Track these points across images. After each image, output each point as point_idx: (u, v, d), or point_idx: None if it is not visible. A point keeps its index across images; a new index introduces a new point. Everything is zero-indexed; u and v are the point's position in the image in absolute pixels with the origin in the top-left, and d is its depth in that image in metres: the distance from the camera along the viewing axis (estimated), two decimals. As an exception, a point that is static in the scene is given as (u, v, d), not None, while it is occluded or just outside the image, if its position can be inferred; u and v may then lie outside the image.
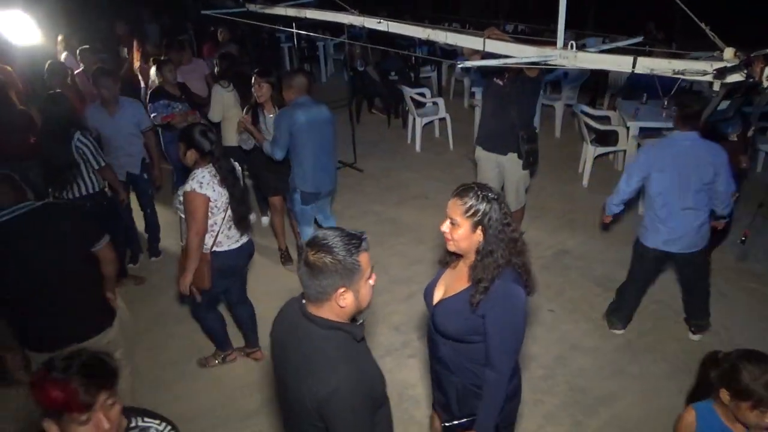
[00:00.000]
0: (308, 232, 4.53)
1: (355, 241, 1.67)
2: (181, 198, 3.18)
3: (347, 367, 1.65)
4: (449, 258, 2.24)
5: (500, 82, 4.46)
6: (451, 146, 7.59)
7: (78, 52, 6.51)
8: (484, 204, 2.00)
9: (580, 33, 8.27)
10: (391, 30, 5.35)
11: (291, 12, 7.00)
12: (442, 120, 7.76)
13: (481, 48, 4.16)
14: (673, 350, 3.89)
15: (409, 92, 7.60)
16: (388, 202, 6.19)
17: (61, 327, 2.70)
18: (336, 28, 12.40)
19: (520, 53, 3.86)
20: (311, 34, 8.45)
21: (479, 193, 2.01)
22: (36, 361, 2.73)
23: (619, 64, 2.54)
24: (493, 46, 4.14)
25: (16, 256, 2.54)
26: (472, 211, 2.00)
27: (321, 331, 1.69)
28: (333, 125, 4.34)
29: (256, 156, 4.73)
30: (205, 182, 3.16)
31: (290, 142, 4.17)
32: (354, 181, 6.72)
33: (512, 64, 3.70)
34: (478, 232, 2.02)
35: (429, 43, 9.99)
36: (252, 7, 7.62)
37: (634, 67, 2.49)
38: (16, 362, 2.75)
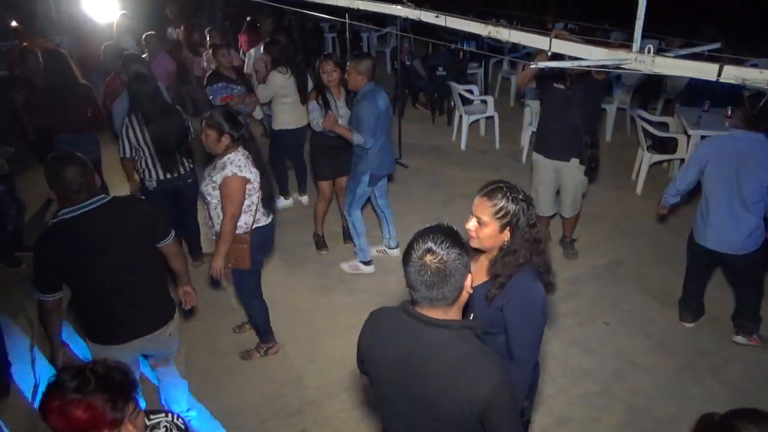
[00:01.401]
0: (358, 215, 4.64)
1: (454, 233, 1.65)
2: (216, 184, 3.20)
3: (492, 357, 1.65)
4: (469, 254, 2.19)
5: (561, 86, 4.29)
6: (497, 145, 7.42)
7: (144, 37, 6.49)
8: (514, 205, 2.00)
9: (628, 33, 7.97)
10: (448, 25, 5.20)
11: (343, 2, 6.92)
12: (489, 118, 7.58)
13: (546, 48, 4.02)
14: (738, 372, 3.70)
15: (458, 89, 7.44)
16: (433, 200, 6.07)
17: (130, 320, 2.70)
18: (379, 20, 12.34)
19: (590, 55, 3.70)
20: (363, 24, 8.35)
21: (509, 194, 2.00)
22: (96, 354, 2.71)
23: (702, 71, 2.36)
24: (561, 46, 3.98)
25: (88, 252, 2.51)
26: (502, 212, 2.00)
27: (455, 333, 1.65)
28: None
29: (317, 140, 4.80)
30: (242, 165, 3.20)
31: (365, 128, 4.22)
32: (399, 176, 6.60)
33: (585, 66, 3.55)
34: (506, 232, 2.02)
35: (475, 38, 9.79)
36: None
37: (719, 75, 2.33)
38: (66, 360, 2.71)
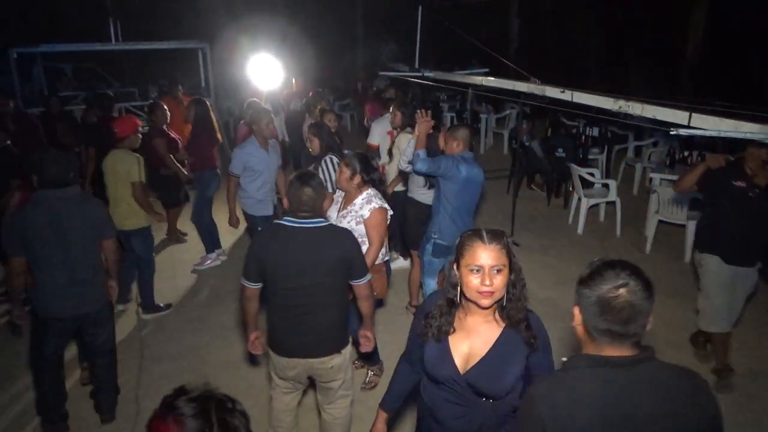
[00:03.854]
0: (432, 284, 4.43)
1: (638, 268, 1.54)
2: (361, 217, 3.48)
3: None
4: (446, 328, 2.00)
5: (742, 184, 3.89)
6: (618, 232, 6.98)
7: (322, 111, 6.46)
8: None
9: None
10: (575, 100, 5.11)
11: (468, 79, 7.06)
12: (610, 204, 7.20)
13: (683, 122, 3.77)
14: None
15: (578, 170, 7.19)
16: (545, 281, 5.74)
17: (292, 339, 2.84)
18: (498, 104, 12.50)
19: (740, 129, 3.40)
20: (493, 94, 8.46)
21: (498, 231, 1.94)
22: (274, 365, 2.96)
23: None
24: (703, 121, 3.72)
25: (289, 259, 2.72)
26: (509, 252, 1.92)
27: (663, 364, 1.56)
28: (483, 189, 4.33)
29: (414, 208, 4.85)
30: (382, 199, 3.57)
31: (441, 188, 4.15)
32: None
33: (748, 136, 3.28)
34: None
35: (598, 125, 9.56)
36: (428, 73, 7.84)
37: None
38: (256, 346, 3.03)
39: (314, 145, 4.82)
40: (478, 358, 1.95)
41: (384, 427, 2.34)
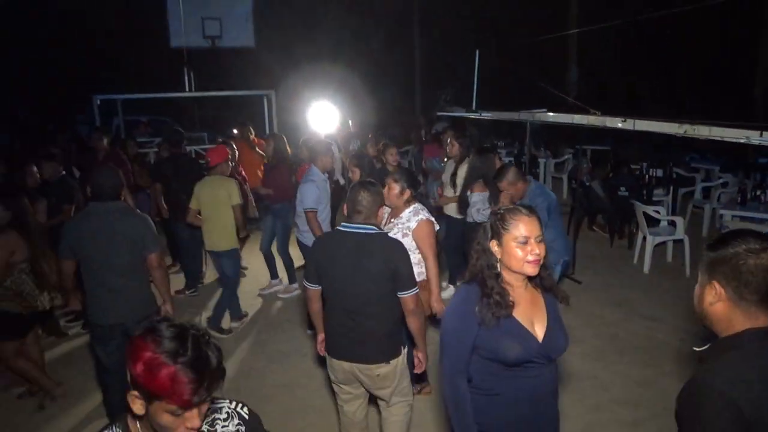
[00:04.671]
0: None
1: None
2: (409, 229, 3.55)
3: None
4: (507, 304, 2.00)
5: None
6: (688, 272, 6.65)
7: (385, 146, 6.51)
8: None
9: None
10: (636, 128, 5.05)
11: (524, 115, 7.09)
12: (678, 242, 6.91)
13: (757, 138, 3.63)
14: None
15: (642, 207, 6.97)
16: (609, 317, 5.51)
17: (342, 341, 2.88)
18: (556, 147, 12.41)
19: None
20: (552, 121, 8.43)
21: (529, 205, 2.13)
22: (328, 364, 3.03)
23: None
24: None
25: (338, 264, 2.81)
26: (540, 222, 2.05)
27: None
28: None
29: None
30: (429, 213, 3.67)
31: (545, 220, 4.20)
32: (570, 291, 6.13)
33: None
34: None
35: (662, 167, 9.31)
36: (485, 114, 7.93)
37: None
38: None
39: (355, 176, 4.92)
40: (544, 326, 2.05)
41: None
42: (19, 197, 4.14)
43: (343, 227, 2.88)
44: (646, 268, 6.80)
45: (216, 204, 5.00)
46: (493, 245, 2.03)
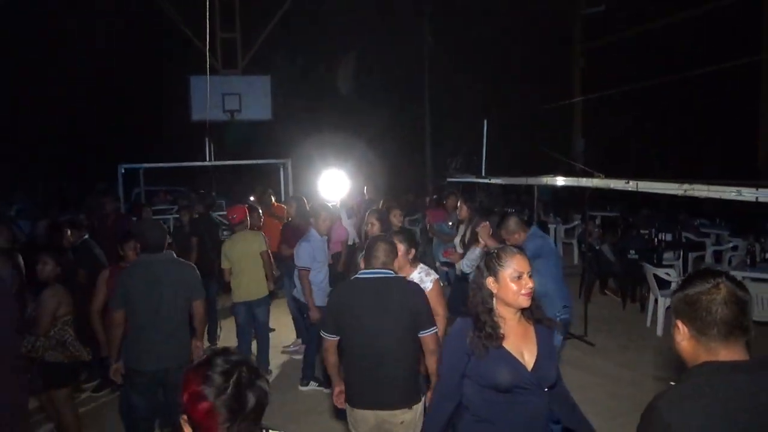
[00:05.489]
0: None
1: None
2: (427, 289, 3.50)
3: None
4: (501, 333, 2.19)
5: None
6: (702, 335, 6.60)
7: (388, 207, 6.88)
8: None
9: None
10: (640, 189, 5.22)
11: (532, 180, 7.30)
12: (690, 305, 6.89)
13: (754, 197, 3.77)
14: None
15: (653, 270, 7.02)
16: (623, 380, 5.46)
17: (363, 389, 2.93)
18: (566, 213, 12.59)
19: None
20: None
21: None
22: (350, 419, 3.04)
23: None
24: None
25: (356, 311, 2.90)
26: None
27: None
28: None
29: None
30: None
31: (540, 271, 4.19)
32: (582, 353, 6.15)
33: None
34: None
35: (672, 231, 9.40)
36: (494, 179, 8.17)
37: None
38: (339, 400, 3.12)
39: (374, 229, 5.03)
40: (534, 356, 2.21)
41: None
42: (65, 254, 4.37)
43: (361, 275, 3.00)
44: (659, 331, 6.76)
45: (246, 257, 5.37)
46: (490, 282, 2.22)
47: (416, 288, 3.05)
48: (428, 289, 3.59)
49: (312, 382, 5.31)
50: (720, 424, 1.42)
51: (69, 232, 5.45)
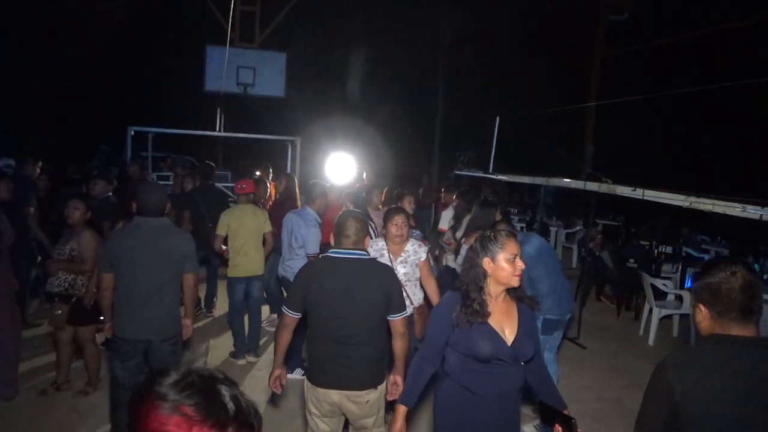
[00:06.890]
0: (550, 357, 4.46)
1: None
2: (420, 259, 4.04)
3: None
4: (485, 313, 2.39)
5: None
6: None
7: (399, 195, 6.80)
8: None
9: None
10: (646, 197, 5.23)
11: (539, 179, 7.30)
12: (684, 317, 6.94)
13: (758, 215, 3.78)
14: None
15: (650, 280, 7.04)
16: (613, 384, 5.51)
17: (340, 370, 2.85)
18: (569, 217, 12.58)
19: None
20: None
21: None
22: (310, 396, 2.94)
23: None
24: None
25: (327, 289, 2.83)
26: None
27: None
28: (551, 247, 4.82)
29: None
30: None
31: (527, 274, 4.20)
32: (574, 356, 6.19)
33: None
34: None
35: (673, 243, 9.41)
36: (501, 176, 8.16)
37: None
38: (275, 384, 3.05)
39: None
40: (515, 332, 2.43)
41: (404, 421, 2.60)
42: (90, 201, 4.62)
43: (334, 254, 2.91)
44: (651, 340, 6.80)
45: (252, 233, 5.35)
46: (486, 262, 2.41)
47: (390, 271, 3.03)
48: (422, 259, 3.98)
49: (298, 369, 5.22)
50: (720, 386, 1.66)
51: (98, 183, 5.63)
